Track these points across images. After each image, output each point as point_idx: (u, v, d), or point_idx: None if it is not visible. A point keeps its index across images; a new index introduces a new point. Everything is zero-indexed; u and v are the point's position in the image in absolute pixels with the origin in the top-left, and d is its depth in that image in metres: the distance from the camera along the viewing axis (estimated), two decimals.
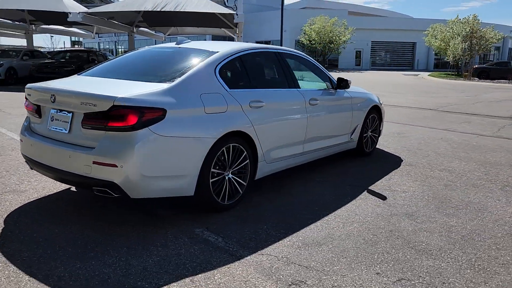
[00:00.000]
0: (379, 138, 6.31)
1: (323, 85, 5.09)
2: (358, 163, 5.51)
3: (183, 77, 3.42)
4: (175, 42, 4.29)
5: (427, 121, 9.37)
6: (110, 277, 2.58)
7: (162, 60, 4.10)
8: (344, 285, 2.56)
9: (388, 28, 47.06)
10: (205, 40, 43.58)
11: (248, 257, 2.88)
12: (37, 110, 3.53)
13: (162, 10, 15.58)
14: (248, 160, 3.79)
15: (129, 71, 3.88)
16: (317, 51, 44.11)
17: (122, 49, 56.50)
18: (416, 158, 5.83)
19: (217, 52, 3.82)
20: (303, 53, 5.06)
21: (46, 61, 17.14)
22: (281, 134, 4.17)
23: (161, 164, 3.15)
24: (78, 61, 17.37)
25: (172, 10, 15.47)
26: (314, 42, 42.04)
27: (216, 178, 3.54)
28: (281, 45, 33.43)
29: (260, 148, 3.90)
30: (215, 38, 40.76)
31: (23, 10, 19.41)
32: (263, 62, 4.47)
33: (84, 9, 17.27)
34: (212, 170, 3.46)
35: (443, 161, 5.73)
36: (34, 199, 3.88)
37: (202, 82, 3.50)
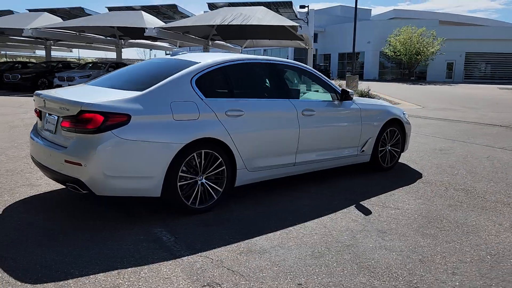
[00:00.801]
0: (404, 153, 6.01)
1: (328, 96, 5.04)
2: (370, 177, 5.32)
3: (155, 86, 3.68)
4: (170, 54, 4.59)
5: (486, 138, 8.61)
6: (53, 264, 2.88)
7: (150, 70, 4.43)
8: None
9: (485, 38, 43.49)
10: (287, 53, 43.52)
11: (185, 258, 3.01)
12: (39, 114, 4.03)
13: (229, 24, 16.29)
14: (224, 167, 3.92)
15: (121, 80, 4.24)
16: (403, 63, 42.36)
17: None
18: (440, 176, 5.46)
19: (198, 63, 4.03)
20: (305, 65, 5.04)
21: None
22: (265, 144, 4.23)
23: (124, 165, 3.42)
24: None
25: (239, 24, 16.10)
26: (399, 54, 40.46)
27: (187, 182, 3.72)
28: (354, 57, 32.58)
29: (238, 156, 4.00)
30: (296, 50, 41.19)
31: (113, 27, 21.54)
32: (250, 73, 4.55)
33: (163, 25, 18.66)
34: (181, 174, 3.65)
35: (468, 180, 5.30)
36: (41, 192, 4.39)
37: (174, 90, 3.73)
